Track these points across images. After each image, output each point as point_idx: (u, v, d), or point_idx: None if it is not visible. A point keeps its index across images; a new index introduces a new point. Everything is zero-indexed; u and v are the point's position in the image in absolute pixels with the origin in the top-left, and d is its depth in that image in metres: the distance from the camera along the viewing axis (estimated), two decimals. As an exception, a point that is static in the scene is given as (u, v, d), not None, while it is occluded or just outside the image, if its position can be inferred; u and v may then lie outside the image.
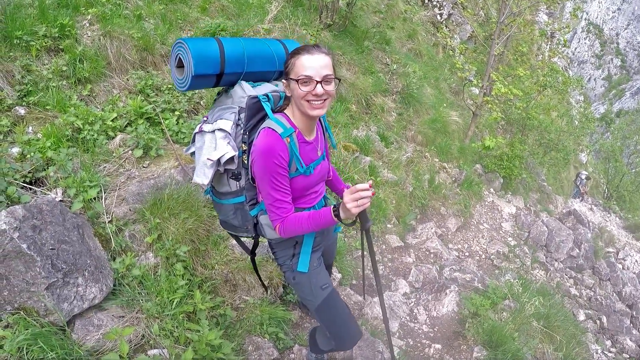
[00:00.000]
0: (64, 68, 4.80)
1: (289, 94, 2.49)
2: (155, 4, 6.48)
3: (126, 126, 4.65)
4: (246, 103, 2.56)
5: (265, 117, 2.59)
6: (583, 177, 25.22)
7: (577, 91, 31.90)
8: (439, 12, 17.04)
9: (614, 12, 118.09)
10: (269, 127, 2.43)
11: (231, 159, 2.54)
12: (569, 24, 16.00)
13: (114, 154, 4.24)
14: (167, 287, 3.36)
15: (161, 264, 3.55)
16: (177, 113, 5.13)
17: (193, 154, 2.72)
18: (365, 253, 4.28)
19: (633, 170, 31.17)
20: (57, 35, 4.96)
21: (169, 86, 5.37)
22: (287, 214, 2.52)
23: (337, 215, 2.37)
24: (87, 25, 5.41)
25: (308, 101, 2.39)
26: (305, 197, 2.78)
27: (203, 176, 2.56)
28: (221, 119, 2.56)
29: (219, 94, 2.81)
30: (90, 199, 3.63)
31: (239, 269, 4.06)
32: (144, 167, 4.26)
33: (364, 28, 10.94)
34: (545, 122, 14.17)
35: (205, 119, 2.66)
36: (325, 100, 2.42)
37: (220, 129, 2.52)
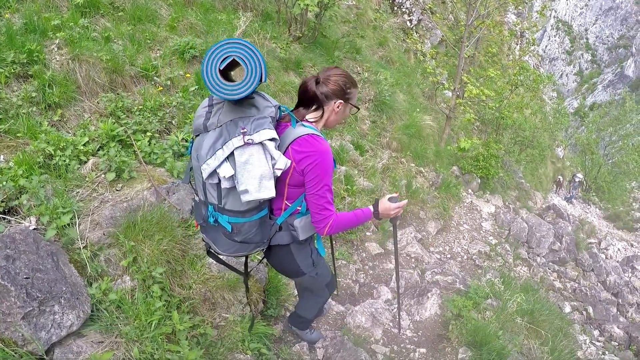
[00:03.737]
0: (34, 94, 4.74)
1: (337, 110, 2.86)
2: (124, 25, 6.46)
3: (98, 150, 4.61)
4: (276, 112, 2.60)
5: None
6: (577, 180, 25.65)
7: (550, 88, 32.36)
8: (409, 18, 17.20)
9: (582, 9, 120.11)
10: (314, 133, 2.65)
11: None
12: (536, 23, 16.24)
13: (86, 179, 4.21)
14: (144, 310, 3.34)
15: (138, 286, 3.53)
16: (148, 134, 5.11)
17: (224, 176, 2.51)
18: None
19: (610, 161, 31.67)
20: (25, 61, 4.91)
21: (140, 107, 5.35)
22: (334, 211, 2.74)
23: (376, 216, 3.03)
24: (56, 49, 5.36)
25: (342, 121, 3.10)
26: None
27: (266, 189, 2.45)
28: (263, 128, 2.47)
29: (210, 105, 2.63)
30: (64, 225, 3.59)
31: (217, 287, 4.04)
32: (117, 190, 4.24)
33: (334, 38, 11.00)
34: (519, 120, 14.35)
35: (243, 130, 2.46)
36: None
37: (272, 139, 2.47)
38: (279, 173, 2.49)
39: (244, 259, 3.38)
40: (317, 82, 2.78)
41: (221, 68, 2.32)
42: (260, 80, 2.34)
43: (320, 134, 2.71)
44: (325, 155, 2.64)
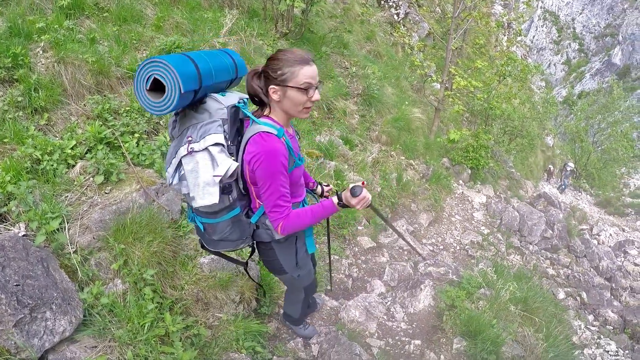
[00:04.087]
0: (20, 98, 4.69)
1: (277, 100, 2.59)
2: (109, 26, 6.40)
3: (86, 153, 4.57)
4: (228, 113, 2.55)
5: (240, 125, 2.65)
6: (569, 169, 25.87)
7: (538, 77, 32.56)
8: (396, 12, 17.19)
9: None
10: (264, 131, 2.50)
11: (233, 172, 2.53)
12: (523, 14, 16.29)
13: (74, 183, 4.18)
14: (136, 313, 3.34)
15: (129, 289, 3.52)
16: (136, 135, 5.08)
17: (179, 181, 2.62)
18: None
19: (599, 148, 31.93)
20: (10, 65, 4.86)
21: (127, 109, 5.31)
22: (289, 211, 2.63)
23: (342, 206, 2.72)
24: (41, 52, 5.30)
25: (305, 107, 2.62)
26: (297, 190, 2.89)
27: (209, 196, 2.48)
28: (209, 134, 2.49)
29: (176, 114, 2.68)
30: (53, 230, 3.58)
31: (209, 287, 4.04)
32: (105, 193, 4.22)
33: (321, 34, 10.98)
34: (508, 110, 14.39)
35: (189, 138, 2.54)
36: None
37: (216, 144, 2.47)
38: (217, 180, 2.47)
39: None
40: (256, 74, 2.66)
41: (147, 87, 2.35)
42: (181, 92, 2.32)
43: (273, 130, 2.55)
44: (269, 155, 2.50)
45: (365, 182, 2.80)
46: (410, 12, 17.96)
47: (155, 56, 2.35)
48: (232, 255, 4.06)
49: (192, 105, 2.59)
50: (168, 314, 3.50)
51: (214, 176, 2.46)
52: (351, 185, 2.69)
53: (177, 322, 3.52)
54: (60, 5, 6.11)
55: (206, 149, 2.47)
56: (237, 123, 2.63)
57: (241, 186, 2.70)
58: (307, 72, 2.54)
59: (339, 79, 10.03)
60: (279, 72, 2.53)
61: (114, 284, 3.54)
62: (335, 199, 2.74)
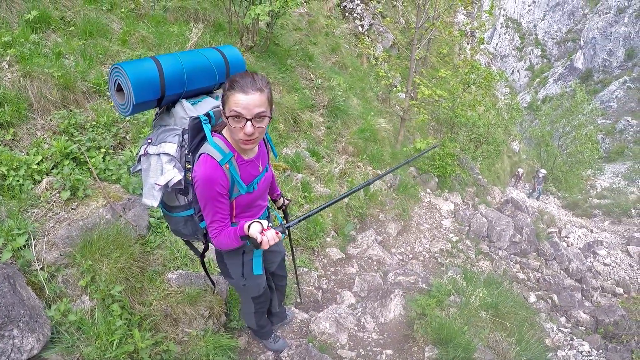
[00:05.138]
0: (-15, 114, 4.65)
1: (225, 121, 2.44)
2: (75, 40, 6.34)
3: (52, 168, 4.54)
4: (188, 124, 2.56)
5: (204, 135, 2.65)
6: (541, 175, 26.36)
7: (502, 84, 33.12)
8: (360, 23, 17.35)
9: (530, 6, 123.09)
10: (208, 154, 2.48)
11: (178, 181, 2.58)
12: (484, 23, 16.59)
13: (41, 199, 4.15)
14: (105, 330, 3.32)
15: (97, 306, 3.50)
16: (103, 150, 5.05)
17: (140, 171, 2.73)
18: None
19: (564, 152, 32.52)
20: (-25, 80, 4.82)
21: (93, 123, 5.28)
22: (223, 229, 2.66)
23: (255, 245, 2.44)
24: (7, 67, 5.23)
25: (240, 139, 2.44)
26: (250, 210, 2.89)
27: (152, 198, 2.60)
28: (165, 141, 2.57)
29: (158, 112, 2.78)
30: (20, 247, 3.55)
31: (178, 302, 4.03)
32: (72, 209, 4.19)
33: (286, 46, 11.02)
34: (473, 118, 14.59)
35: (149, 140, 2.66)
36: (255, 138, 2.44)
37: (165, 153, 2.54)
38: (157, 188, 2.57)
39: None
40: None
41: (115, 89, 2.54)
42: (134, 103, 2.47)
43: (218, 154, 2.49)
44: (203, 181, 2.48)
45: (268, 226, 2.47)
46: (374, 23, 18.15)
47: (121, 62, 2.44)
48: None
49: (168, 106, 2.70)
50: (137, 330, 3.48)
51: (155, 183, 2.56)
52: (251, 232, 2.44)
53: (146, 339, 3.50)
54: (26, 19, 6.03)
55: (158, 154, 2.57)
56: (200, 134, 2.62)
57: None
58: (238, 100, 2.33)
59: (304, 91, 10.06)
60: (222, 94, 2.42)
61: (81, 301, 3.52)
62: (241, 230, 2.54)
